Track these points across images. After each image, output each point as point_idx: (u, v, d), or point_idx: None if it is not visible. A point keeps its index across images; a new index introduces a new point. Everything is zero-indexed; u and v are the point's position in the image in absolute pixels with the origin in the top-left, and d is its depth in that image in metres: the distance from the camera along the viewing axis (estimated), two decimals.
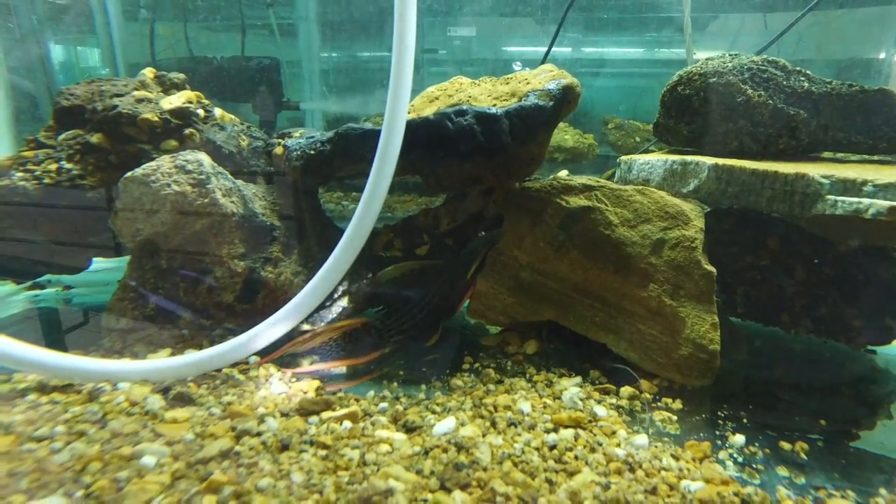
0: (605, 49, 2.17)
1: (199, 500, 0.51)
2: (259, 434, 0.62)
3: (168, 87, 1.01)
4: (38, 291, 1.09)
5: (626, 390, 0.78)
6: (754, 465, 0.63)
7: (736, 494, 0.54)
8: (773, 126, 0.95)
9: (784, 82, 0.96)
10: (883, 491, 0.57)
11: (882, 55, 1.82)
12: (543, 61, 1.53)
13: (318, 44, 2.32)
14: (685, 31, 1.39)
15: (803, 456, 0.65)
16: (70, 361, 0.68)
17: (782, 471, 0.62)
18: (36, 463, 0.55)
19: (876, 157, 0.99)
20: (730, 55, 1.01)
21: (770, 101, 0.94)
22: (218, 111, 1.00)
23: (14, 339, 0.68)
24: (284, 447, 0.60)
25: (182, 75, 1.04)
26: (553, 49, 1.82)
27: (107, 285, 1.13)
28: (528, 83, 0.90)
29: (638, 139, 1.99)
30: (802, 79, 0.96)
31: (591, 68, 2.18)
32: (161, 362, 0.71)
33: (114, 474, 0.53)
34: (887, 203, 0.68)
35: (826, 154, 1.02)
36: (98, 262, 1.08)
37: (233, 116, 1.05)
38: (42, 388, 0.70)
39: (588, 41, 2.12)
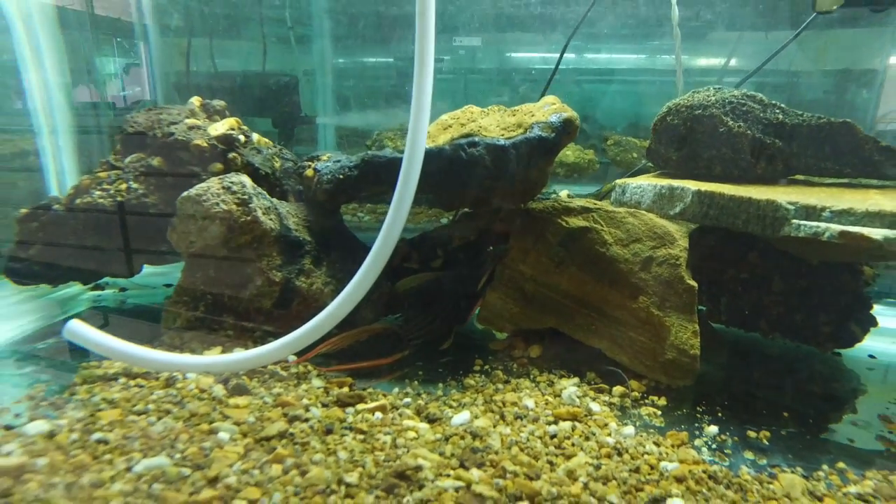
0: (608, 56, 2.25)
1: (268, 468, 0.62)
2: (307, 420, 0.73)
3: (212, 114, 1.12)
4: (99, 292, 1.22)
5: (618, 389, 0.89)
6: (724, 450, 0.74)
7: (704, 472, 0.65)
8: (752, 153, 1.07)
9: (761, 114, 1.07)
10: (825, 466, 0.69)
11: (876, 66, 1.92)
12: (551, 79, 1.65)
13: (330, 61, 2.43)
14: (676, 57, 1.50)
15: (766, 442, 0.76)
16: (148, 353, 0.80)
17: (748, 454, 0.73)
18: (140, 431, 0.67)
19: (845, 180, 1.10)
20: (714, 89, 1.12)
21: (749, 132, 1.06)
22: (255, 136, 1.12)
23: (107, 334, 0.81)
24: (328, 431, 0.72)
25: (223, 102, 1.16)
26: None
27: (154, 288, 1.26)
28: (532, 115, 1.01)
29: (635, 154, 2.10)
30: (777, 111, 1.07)
31: (593, 75, 2.26)
32: (219, 358, 0.83)
33: (199, 444, 0.65)
34: (839, 228, 0.79)
35: (800, 177, 1.13)
36: (146, 268, 1.21)
37: (267, 140, 1.17)
38: (128, 374, 0.82)
39: (590, 48, 2.20)
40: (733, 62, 1.95)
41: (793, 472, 0.68)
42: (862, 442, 0.78)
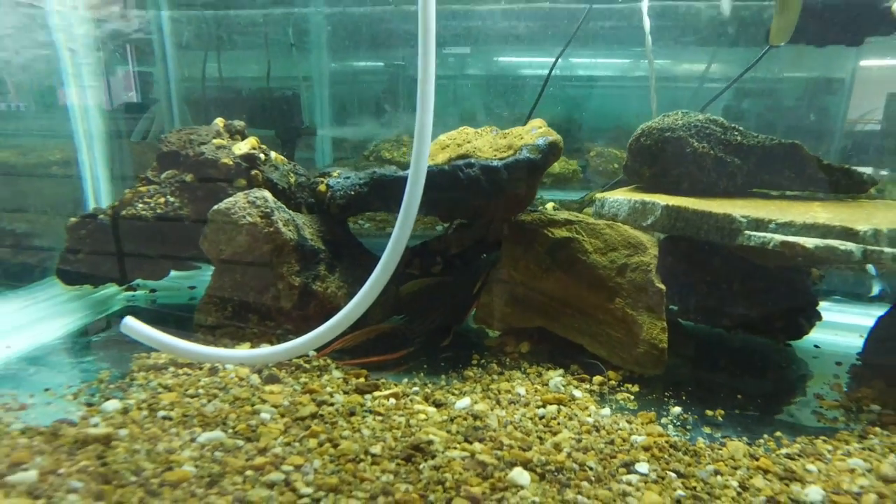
0: (593, 61, 2.37)
1: (306, 441, 0.75)
2: (332, 404, 0.86)
3: (233, 134, 1.25)
4: (132, 293, 1.35)
5: (597, 378, 1.02)
6: (686, 427, 0.88)
7: (666, 442, 0.79)
8: (714, 171, 1.21)
9: (722, 136, 1.21)
10: (766, 435, 0.83)
11: (844, 75, 2.06)
12: (538, 99, 1.79)
13: (328, 74, 2.55)
14: (650, 74, 1.64)
15: (721, 419, 0.90)
16: (193, 347, 0.92)
17: (705, 429, 0.87)
18: (196, 410, 0.79)
19: (795, 193, 1.24)
20: (681, 113, 1.26)
21: (712, 152, 1.20)
22: (273, 154, 1.25)
23: (157, 329, 0.93)
24: (352, 413, 0.84)
25: (242, 123, 1.28)
26: (542, 60, 2.02)
27: (179, 290, 1.39)
28: (521, 138, 1.15)
29: (615, 165, 2.24)
30: (736, 134, 1.22)
31: (578, 80, 2.37)
32: (253, 351, 0.95)
33: (246, 422, 0.77)
34: (781, 238, 0.93)
35: (757, 191, 1.28)
36: (172, 273, 1.34)
37: (282, 157, 1.29)
38: (175, 364, 0.95)
39: (575, 53, 2.31)
40: (714, 67, 2.07)
41: (739, 440, 0.81)
42: (800, 417, 0.92)
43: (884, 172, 1.85)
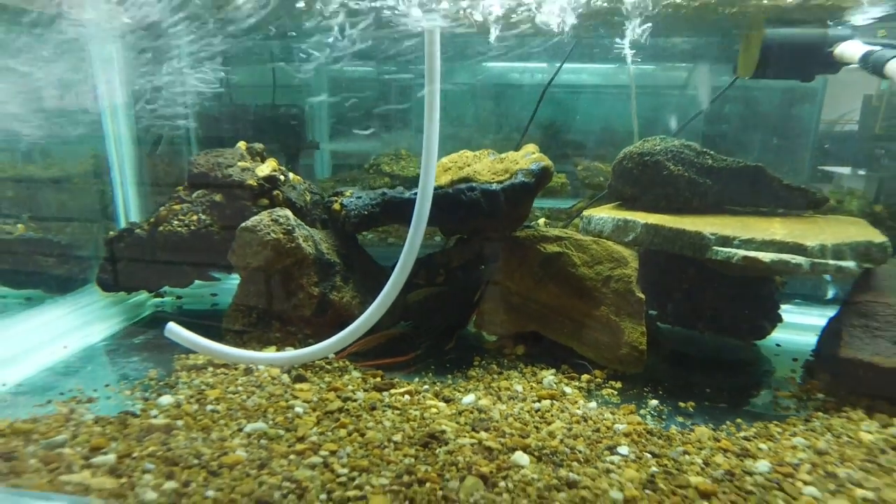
0: (581, 65, 2.48)
1: (337, 431, 0.88)
2: (355, 400, 0.99)
3: (254, 155, 1.37)
4: (160, 299, 1.48)
5: (585, 377, 1.15)
6: (662, 416, 1.01)
7: (644, 429, 0.93)
8: (688, 191, 1.35)
9: (695, 160, 1.35)
10: (728, 422, 0.97)
11: (815, 84, 2.22)
12: (531, 120, 1.93)
13: (327, 92, 2.67)
14: (632, 98, 1.79)
15: (692, 410, 1.04)
16: (229, 350, 1.05)
17: (678, 418, 1.01)
18: (238, 405, 0.92)
19: (762, 209, 1.39)
20: (659, 139, 1.41)
21: (686, 174, 1.34)
22: (291, 175, 1.37)
23: (196, 334, 1.05)
24: (373, 408, 0.97)
25: (261, 145, 1.41)
26: (530, 66, 2.13)
27: (202, 297, 1.51)
28: (516, 163, 1.29)
29: (602, 178, 2.39)
30: (707, 158, 1.36)
31: (568, 87, 2.49)
32: (281, 354, 1.08)
33: (283, 415, 0.90)
34: (743, 253, 1.08)
35: (728, 207, 1.42)
36: (196, 282, 1.46)
37: (299, 177, 1.42)
38: (213, 365, 1.07)
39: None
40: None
41: (706, 426, 0.95)
42: (759, 406, 1.07)
43: (861, 172, 2.02)
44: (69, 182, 1.58)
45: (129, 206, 1.55)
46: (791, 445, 0.88)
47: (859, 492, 0.75)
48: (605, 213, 1.32)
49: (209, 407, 0.93)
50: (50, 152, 1.50)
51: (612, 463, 0.84)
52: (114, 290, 1.36)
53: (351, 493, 0.75)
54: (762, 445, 0.88)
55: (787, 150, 2.20)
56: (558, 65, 1.79)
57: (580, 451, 0.87)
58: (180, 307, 1.48)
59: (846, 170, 2.07)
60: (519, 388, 1.09)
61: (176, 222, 1.25)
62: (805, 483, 0.78)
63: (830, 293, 1.53)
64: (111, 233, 1.32)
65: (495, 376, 1.16)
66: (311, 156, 2.71)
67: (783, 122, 2.20)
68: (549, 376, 1.14)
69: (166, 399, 0.95)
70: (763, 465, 0.82)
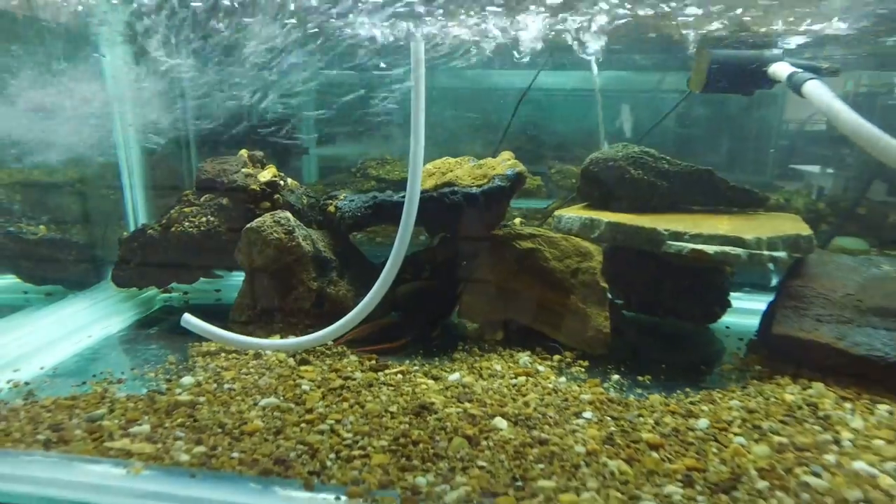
0: (555, 72, 2.61)
1: (341, 404, 1.01)
2: (354, 379, 1.12)
3: (255, 162, 1.50)
4: (168, 294, 1.60)
5: (556, 357, 1.30)
6: (623, 388, 1.16)
7: (606, 398, 1.08)
8: (647, 192, 1.51)
9: (653, 165, 1.51)
10: (678, 391, 1.12)
11: (776, 90, 2.39)
12: (506, 130, 2.08)
13: (313, 99, 2.78)
14: (598, 109, 1.95)
15: (648, 382, 1.19)
16: (239, 337, 1.17)
17: (637, 390, 1.16)
18: (252, 383, 1.04)
19: (715, 208, 1.55)
20: (622, 145, 1.57)
21: (646, 177, 1.50)
22: (289, 180, 1.50)
23: (209, 324, 1.17)
24: (370, 385, 1.10)
25: (261, 153, 1.54)
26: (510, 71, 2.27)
27: (207, 293, 1.63)
28: (494, 169, 1.43)
29: (574, 180, 2.55)
30: (664, 163, 1.52)
31: (542, 92, 2.62)
32: (286, 340, 1.21)
33: (293, 392, 1.03)
34: (691, 246, 1.24)
35: (684, 207, 1.58)
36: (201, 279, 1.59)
37: (296, 182, 1.55)
38: (225, 351, 1.19)
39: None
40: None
41: (659, 395, 1.11)
42: (706, 378, 1.23)
43: (815, 168, 2.20)
44: (85, 186, 1.69)
45: (137, 209, 1.67)
46: (728, 407, 1.03)
47: (777, 438, 0.91)
48: (573, 213, 1.47)
49: (226, 386, 1.05)
50: (72, 159, 1.61)
51: (578, 425, 0.99)
52: (127, 286, 1.48)
53: (356, 453, 0.89)
54: (704, 408, 1.04)
55: (750, 149, 2.39)
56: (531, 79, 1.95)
57: (551, 417, 1.01)
58: (187, 302, 1.60)
59: (815, 168, 2.26)
60: (498, 367, 1.23)
61: (187, 223, 1.37)
62: (735, 434, 0.94)
63: (774, 281, 1.70)
64: (124, 234, 1.44)
65: (477, 358, 1.30)
66: (300, 160, 2.83)
67: (748, 124, 2.38)
68: (524, 357, 1.29)
69: (188, 379, 1.07)
70: (703, 422, 0.98)
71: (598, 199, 1.56)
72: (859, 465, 0.84)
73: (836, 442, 0.91)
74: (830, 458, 0.87)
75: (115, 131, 1.59)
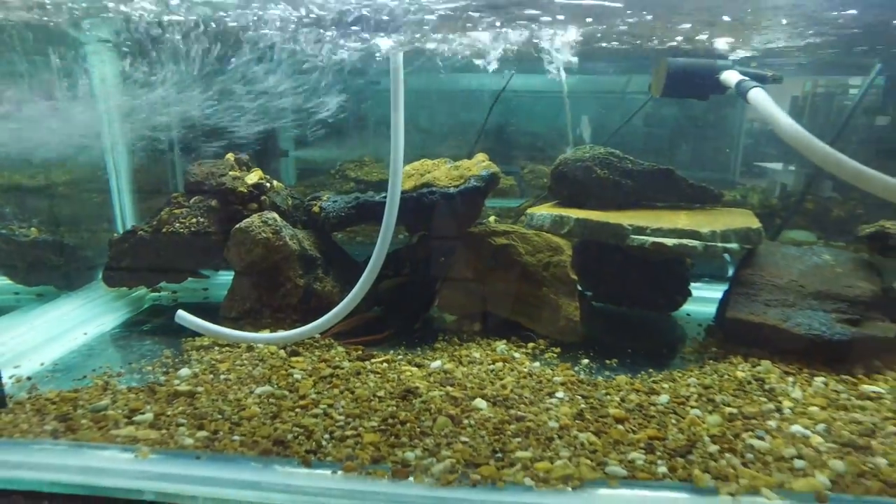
0: (528, 75, 2.70)
1: (332, 390, 1.08)
2: (343, 368, 1.19)
3: (241, 165, 1.56)
4: (157, 293, 1.65)
5: (531, 344, 1.39)
6: (591, 371, 1.26)
7: (577, 379, 1.17)
8: (613, 190, 1.61)
9: (618, 164, 1.62)
10: (642, 372, 1.22)
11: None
12: (481, 131, 2.17)
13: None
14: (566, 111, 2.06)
15: (615, 365, 1.29)
16: (231, 332, 1.23)
17: (605, 372, 1.26)
18: (247, 374, 1.11)
19: (677, 204, 1.66)
20: (589, 147, 1.67)
21: (611, 177, 1.60)
22: (275, 182, 1.56)
23: (202, 320, 1.23)
24: (358, 373, 1.18)
25: (246, 156, 1.59)
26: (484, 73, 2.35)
27: (195, 291, 1.68)
28: (469, 170, 1.52)
29: (545, 180, 2.66)
30: (628, 162, 1.62)
31: (516, 92, 2.70)
32: (277, 334, 1.27)
33: (286, 380, 1.10)
34: (652, 240, 1.34)
35: (647, 203, 1.69)
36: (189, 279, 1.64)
37: (280, 184, 1.61)
38: (217, 345, 1.26)
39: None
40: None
41: (625, 376, 1.21)
42: (668, 361, 1.33)
43: (777, 166, 2.33)
44: (75, 188, 1.73)
45: (125, 211, 1.71)
46: (686, 384, 1.14)
47: (728, 409, 1.02)
48: (544, 211, 1.57)
49: (222, 376, 1.12)
50: (63, 163, 1.64)
51: (551, 403, 1.08)
52: (117, 286, 1.53)
53: (349, 433, 0.97)
54: (665, 385, 1.14)
55: (712, 148, 2.52)
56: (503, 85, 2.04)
57: (526, 397, 1.10)
58: (176, 300, 1.65)
59: (778, 165, 2.40)
60: (477, 355, 1.32)
61: (178, 224, 1.43)
62: (692, 407, 1.04)
63: (730, 271, 1.83)
64: (115, 235, 1.49)
65: (457, 347, 1.38)
66: (278, 162, 2.88)
67: (712, 123, 2.51)
68: (501, 345, 1.38)
69: (185, 371, 1.13)
70: (664, 398, 1.08)
71: (568, 198, 1.66)
72: (796, 427, 0.95)
73: (779, 410, 1.02)
74: (772, 423, 0.98)
75: (103, 137, 1.63)
